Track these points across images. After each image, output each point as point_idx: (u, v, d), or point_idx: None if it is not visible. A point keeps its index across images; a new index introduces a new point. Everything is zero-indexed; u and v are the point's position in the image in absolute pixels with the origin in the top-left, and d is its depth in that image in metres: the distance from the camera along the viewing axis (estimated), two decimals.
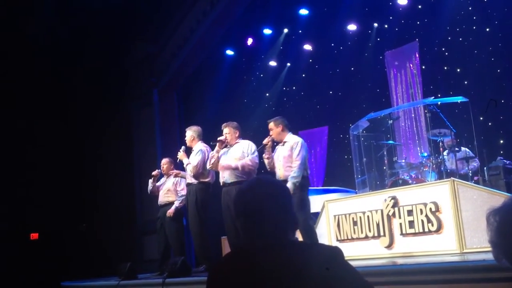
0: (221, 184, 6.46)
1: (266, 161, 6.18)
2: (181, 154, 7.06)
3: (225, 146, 6.55)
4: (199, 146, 7.06)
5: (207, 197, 6.88)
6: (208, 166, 6.63)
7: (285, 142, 6.17)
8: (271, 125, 6.24)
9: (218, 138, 6.49)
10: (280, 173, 6.06)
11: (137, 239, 10.70)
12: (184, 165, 7.10)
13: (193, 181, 6.91)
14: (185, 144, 7.29)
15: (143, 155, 11.00)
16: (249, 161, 6.32)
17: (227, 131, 6.55)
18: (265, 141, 6.18)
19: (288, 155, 6.03)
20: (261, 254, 1.75)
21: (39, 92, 10.01)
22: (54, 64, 9.93)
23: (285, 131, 6.23)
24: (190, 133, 7.19)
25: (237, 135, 6.59)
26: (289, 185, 5.73)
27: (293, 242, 1.85)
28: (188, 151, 7.23)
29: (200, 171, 6.84)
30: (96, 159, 10.44)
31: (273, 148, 6.33)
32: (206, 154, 6.90)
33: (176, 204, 7.55)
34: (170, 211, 7.48)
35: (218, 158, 6.47)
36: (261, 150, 6.34)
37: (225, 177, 6.36)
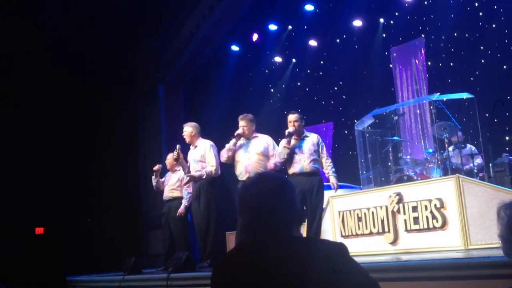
0: (241, 179, 6.38)
1: (285, 150, 6.17)
2: (179, 156, 7.00)
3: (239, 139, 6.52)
4: (204, 143, 7.03)
5: (216, 192, 6.85)
6: (223, 159, 6.56)
7: (305, 136, 6.31)
8: (296, 117, 6.25)
9: (236, 132, 6.44)
10: (305, 164, 6.14)
11: (143, 234, 10.73)
12: (183, 169, 7.09)
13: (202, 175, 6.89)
14: (184, 141, 7.24)
15: (148, 151, 11.02)
16: (279, 158, 6.34)
17: (244, 124, 6.49)
18: (290, 130, 6.18)
19: (314, 150, 6.22)
20: (266, 250, 1.74)
21: (45, 88, 10.04)
22: (60, 60, 9.95)
23: (303, 127, 6.37)
24: (190, 129, 7.12)
25: (253, 128, 6.55)
26: (334, 180, 6.28)
27: (298, 237, 1.85)
28: (186, 149, 7.21)
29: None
30: (101, 154, 10.45)
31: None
32: (216, 149, 6.91)
33: (185, 203, 7.51)
34: (181, 211, 7.47)
35: (235, 151, 6.46)
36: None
37: (250, 172, 6.28)
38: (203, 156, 6.95)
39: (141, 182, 10.91)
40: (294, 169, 6.17)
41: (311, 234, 6.03)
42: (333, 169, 6.32)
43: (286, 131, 6.21)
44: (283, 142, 6.21)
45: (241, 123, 6.53)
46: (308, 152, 6.19)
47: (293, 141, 6.26)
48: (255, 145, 6.45)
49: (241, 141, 6.50)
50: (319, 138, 6.38)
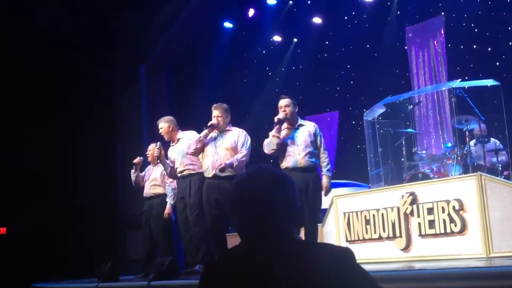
0: (207, 175, 6.46)
1: (275, 140, 6.15)
2: (160, 154, 7.03)
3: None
4: (189, 134, 7.08)
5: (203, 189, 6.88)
6: (190, 150, 6.58)
7: (300, 125, 6.27)
8: (287, 102, 6.24)
9: (210, 123, 6.49)
10: (299, 158, 6.08)
11: (120, 236, 10.72)
12: (165, 168, 7.17)
13: (193, 170, 6.91)
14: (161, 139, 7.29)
15: (127, 141, 10.97)
16: (243, 156, 6.39)
17: (218, 114, 6.54)
18: (281, 116, 6.16)
19: (310, 141, 6.14)
20: (262, 255, 1.74)
21: (9, 70, 9.94)
22: (25, 34, 9.86)
23: (296, 115, 6.32)
24: (166, 124, 7.22)
25: (228, 119, 6.61)
26: (327, 181, 6.10)
27: (298, 241, 1.85)
28: (166, 146, 7.27)
29: None
30: (72, 144, 10.40)
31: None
32: None
33: (170, 201, 7.53)
34: (167, 211, 7.48)
35: (204, 144, 6.49)
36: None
37: (216, 168, 6.34)
38: None
39: (119, 176, 10.87)
40: (286, 163, 6.13)
41: (307, 238, 6.03)
42: (328, 167, 6.19)
43: (276, 118, 6.19)
44: (273, 131, 6.17)
45: (215, 112, 6.56)
46: (303, 143, 6.13)
47: (285, 131, 6.23)
48: (226, 139, 6.50)
49: (213, 133, 6.53)
50: (317, 127, 6.32)
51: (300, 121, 6.32)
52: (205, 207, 6.45)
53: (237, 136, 6.53)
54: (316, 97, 12.67)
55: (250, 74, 12.81)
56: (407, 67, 11.41)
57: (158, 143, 7.21)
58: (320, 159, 6.20)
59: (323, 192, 6.14)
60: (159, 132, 7.29)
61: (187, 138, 6.97)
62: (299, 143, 6.14)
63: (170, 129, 7.21)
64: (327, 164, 6.19)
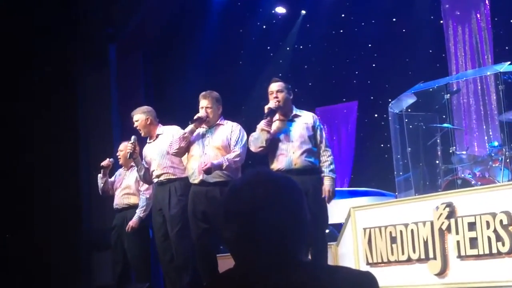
0: (193, 181, 6.47)
1: (264, 135, 6.14)
2: (134, 150, 7.05)
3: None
4: (172, 130, 7.08)
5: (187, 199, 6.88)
6: (172, 150, 6.58)
7: (295, 116, 6.27)
8: (280, 86, 6.21)
9: (197, 115, 6.48)
10: (294, 158, 6.06)
11: (84, 256, 10.70)
12: (138, 169, 7.18)
13: (173, 175, 6.92)
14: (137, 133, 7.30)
15: (94, 137, 10.95)
16: (237, 156, 6.37)
17: (207, 104, 6.53)
18: (272, 105, 6.13)
19: (308, 136, 6.11)
20: (262, 281, 1.74)
21: None
22: None
23: (291, 103, 6.29)
24: (143, 116, 7.19)
25: (219, 111, 6.62)
26: (329, 183, 6.08)
27: (307, 264, 1.84)
28: (142, 143, 7.28)
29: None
30: (26, 143, 10.39)
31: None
32: None
33: (140, 213, 7.54)
34: (132, 224, 7.47)
35: (190, 143, 6.50)
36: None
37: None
38: None
39: (82, 182, 10.86)
40: (278, 164, 6.13)
41: (316, 260, 6.01)
42: (332, 167, 6.20)
43: (266, 107, 6.15)
44: (261, 123, 6.15)
45: (204, 102, 6.55)
46: (299, 139, 6.10)
47: (276, 123, 6.21)
48: (217, 135, 6.50)
49: (201, 128, 6.54)
50: (316, 118, 6.32)
51: (295, 111, 6.30)
52: (190, 221, 6.43)
53: (230, 131, 6.51)
54: (329, 84, 12.69)
55: (247, 55, 12.81)
56: (443, 46, 11.42)
57: (133, 137, 7.16)
58: (321, 157, 6.19)
59: (326, 198, 6.11)
60: (134, 125, 7.26)
61: (169, 135, 6.97)
62: (294, 138, 6.11)
63: (148, 122, 7.18)
64: (330, 164, 6.17)
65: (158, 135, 7.18)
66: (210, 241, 6.40)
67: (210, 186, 6.33)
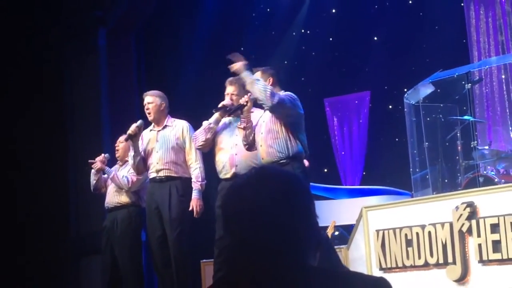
0: (225, 176, 6.48)
1: (241, 133, 6.16)
2: (139, 132, 7.04)
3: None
4: (182, 123, 7.11)
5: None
6: (198, 144, 6.59)
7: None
8: (257, 75, 6.07)
9: (222, 103, 6.48)
10: (262, 151, 6.00)
11: (71, 262, 10.72)
12: (131, 159, 7.18)
13: (175, 173, 6.93)
14: (144, 118, 7.27)
15: (82, 130, 10.95)
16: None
17: (233, 91, 6.54)
18: (242, 100, 6.12)
19: (279, 124, 5.92)
20: (267, 286, 1.73)
21: None
22: None
23: (276, 87, 6.06)
24: (158, 100, 7.16)
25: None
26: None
27: (317, 270, 1.84)
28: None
29: None
30: (8, 137, 10.39)
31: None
32: None
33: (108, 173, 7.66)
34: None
35: (216, 133, 6.51)
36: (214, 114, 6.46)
37: (238, 165, 6.37)
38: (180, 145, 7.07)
39: (70, 180, 10.87)
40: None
41: (322, 265, 6.02)
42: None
43: (242, 100, 6.17)
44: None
45: (230, 89, 6.56)
46: (266, 130, 6.00)
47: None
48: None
49: (228, 118, 6.50)
50: (294, 98, 6.13)
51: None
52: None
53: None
54: (339, 73, 12.66)
55: (250, 40, 12.78)
56: (464, 31, 11.40)
57: (140, 121, 7.17)
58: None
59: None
60: (145, 108, 7.20)
61: (178, 129, 7.00)
62: (263, 129, 6.04)
63: (161, 108, 7.16)
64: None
65: (166, 126, 7.15)
66: None
67: None
